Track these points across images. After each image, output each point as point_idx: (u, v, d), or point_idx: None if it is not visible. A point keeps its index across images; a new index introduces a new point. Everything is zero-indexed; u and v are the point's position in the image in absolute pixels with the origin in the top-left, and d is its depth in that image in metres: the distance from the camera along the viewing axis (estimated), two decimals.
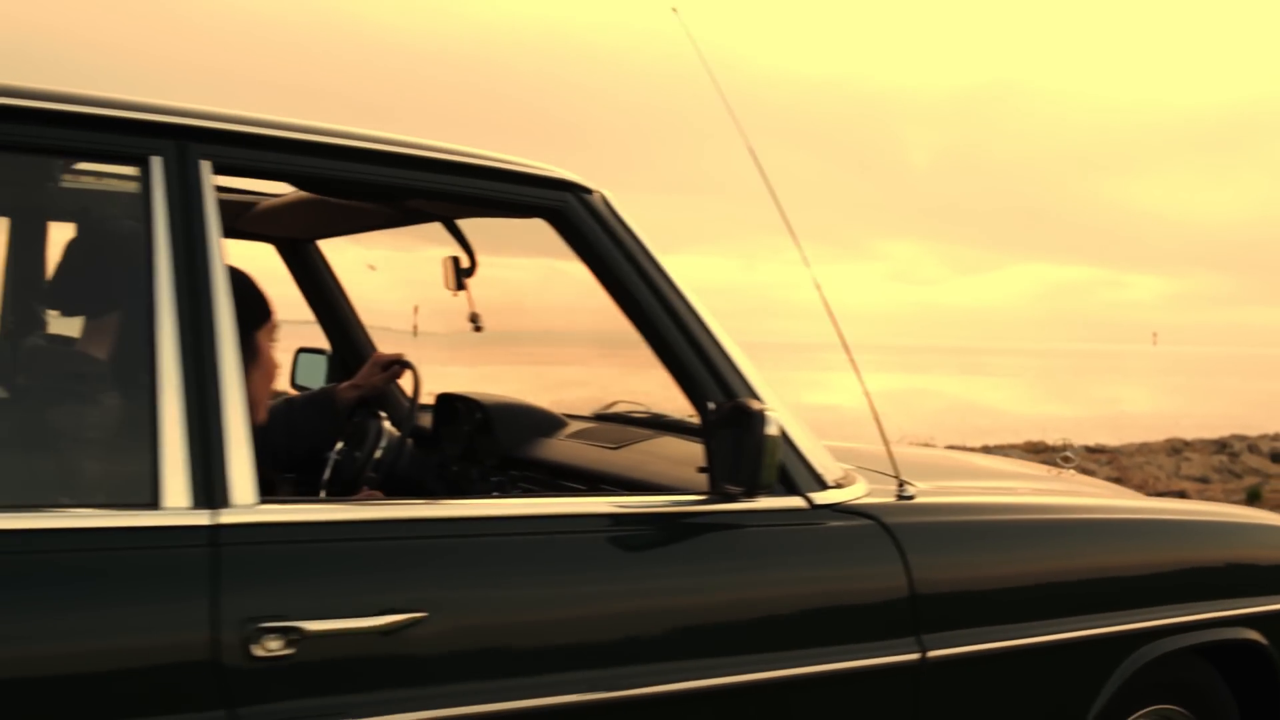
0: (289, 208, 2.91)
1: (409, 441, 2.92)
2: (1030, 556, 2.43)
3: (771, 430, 1.97)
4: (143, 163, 1.74)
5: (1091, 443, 16.57)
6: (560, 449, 3.07)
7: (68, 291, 2.09)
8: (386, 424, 2.99)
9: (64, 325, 2.07)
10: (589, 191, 2.12)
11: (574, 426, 3.24)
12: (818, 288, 2.25)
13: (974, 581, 2.32)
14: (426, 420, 3.37)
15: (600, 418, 3.38)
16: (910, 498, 2.34)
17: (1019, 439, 16.43)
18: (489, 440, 3.15)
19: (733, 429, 2.02)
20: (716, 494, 2.08)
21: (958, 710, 2.30)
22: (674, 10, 2.17)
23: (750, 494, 2.03)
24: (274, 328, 2.31)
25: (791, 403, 2.21)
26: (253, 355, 2.16)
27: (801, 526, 2.15)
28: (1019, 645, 2.32)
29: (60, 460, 1.79)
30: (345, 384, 3.10)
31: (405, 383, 3.54)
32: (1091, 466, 13.23)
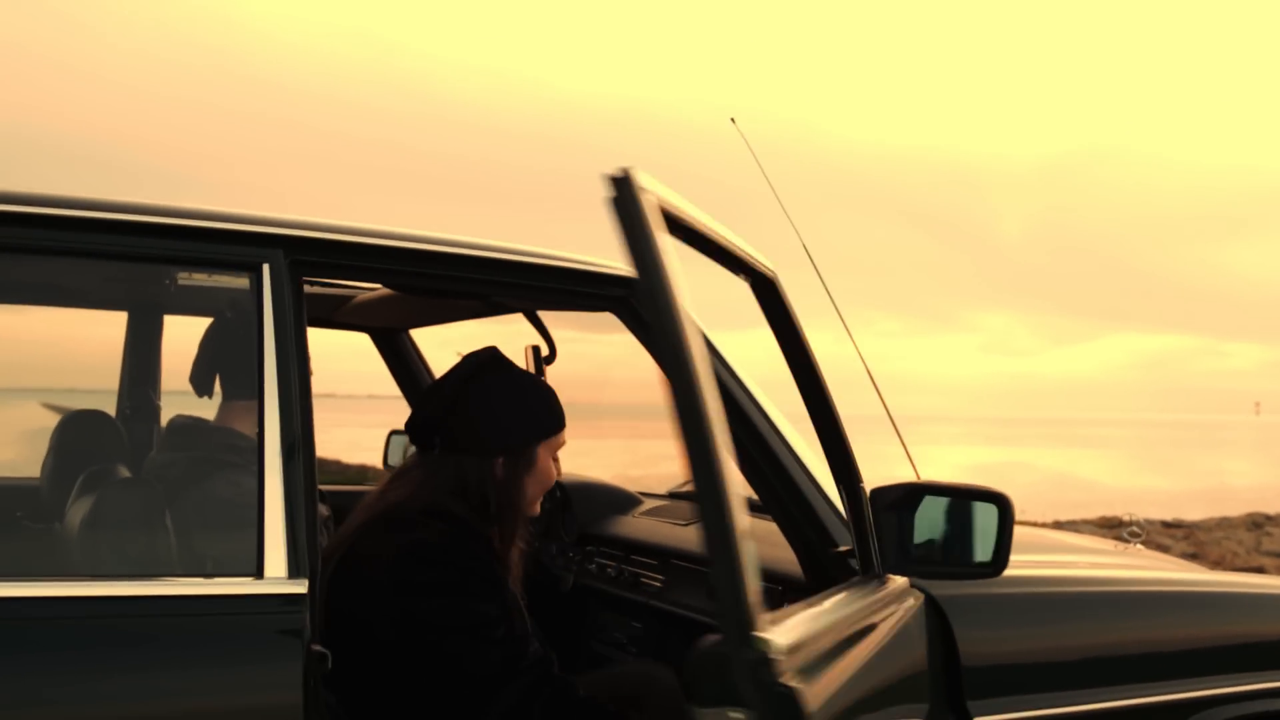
0: (382, 301, 3.11)
1: None
2: (1074, 629, 2.49)
3: None
4: (255, 270, 1.90)
5: (1170, 517, 16.14)
6: (634, 526, 3.20)
7: (195, 380, 2.29)
8: None
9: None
10: None
11: (648, 504, 3.38)
12: (862, 360, 2.38)
13: (1018, 654, 2.39)
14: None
15: (674, 496, 3.51)
16: None
17: (1093, 514, 16.06)
18: (567, 518, 3.30)
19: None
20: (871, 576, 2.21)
21: None
22: (732, 120, 2.33)
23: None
24: (560, 443, 2.30)
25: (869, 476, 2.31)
26: (530, 463, 2.24)
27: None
28: (1063, 713, 2.37)
29: (178, 534, 2.00)
30: None
31: None
32: (1166, 542, 12.80)
